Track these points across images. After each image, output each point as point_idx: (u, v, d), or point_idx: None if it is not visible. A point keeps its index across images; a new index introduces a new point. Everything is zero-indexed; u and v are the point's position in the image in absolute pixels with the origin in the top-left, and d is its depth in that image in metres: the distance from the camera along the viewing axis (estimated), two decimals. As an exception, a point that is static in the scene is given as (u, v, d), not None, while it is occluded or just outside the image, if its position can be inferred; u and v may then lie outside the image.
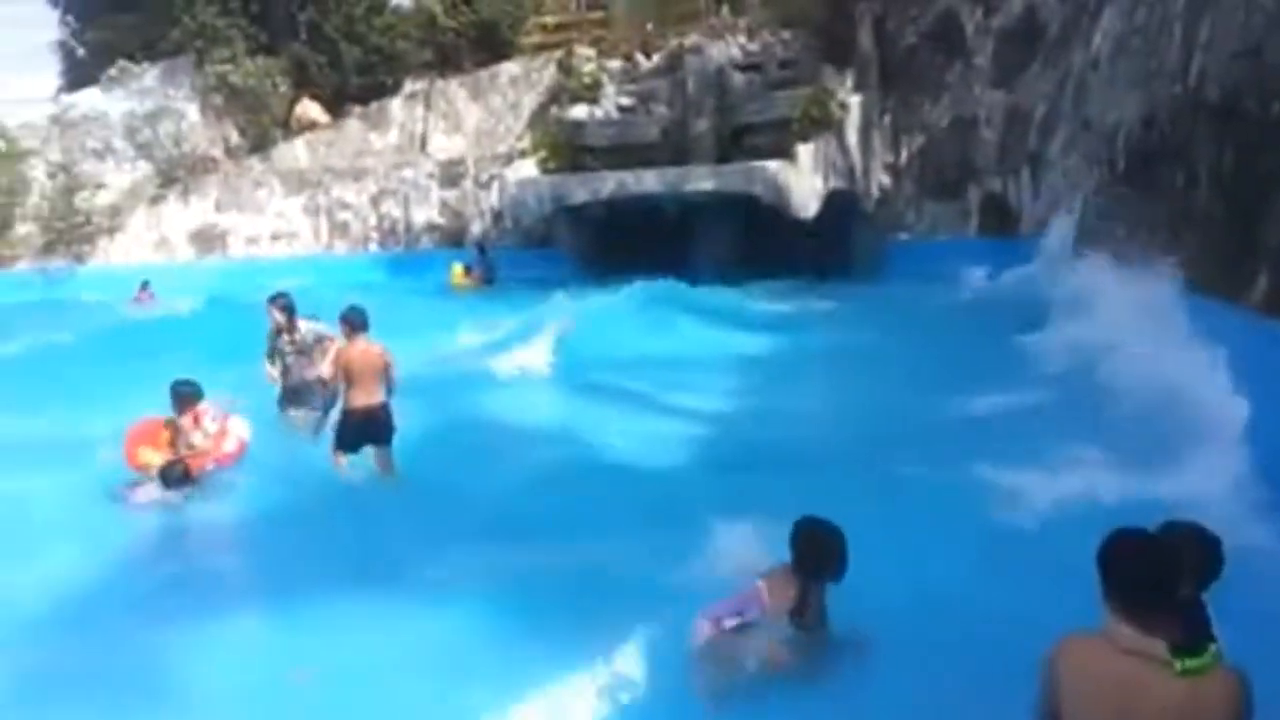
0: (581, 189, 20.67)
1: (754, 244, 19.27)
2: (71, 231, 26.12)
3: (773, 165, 18.62)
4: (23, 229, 26.70)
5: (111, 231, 26.47)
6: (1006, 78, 18.58)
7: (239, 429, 8.23)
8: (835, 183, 19.29)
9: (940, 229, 19.79)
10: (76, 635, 5.64)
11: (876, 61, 20.19)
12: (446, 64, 26.94)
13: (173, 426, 7.95)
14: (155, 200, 26.73)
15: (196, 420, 7.95)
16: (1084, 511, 5.87)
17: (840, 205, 19.23)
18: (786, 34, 21.44)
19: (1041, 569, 5.26)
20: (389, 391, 8.24)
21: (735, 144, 20.56)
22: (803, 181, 18.56)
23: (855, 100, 19.82)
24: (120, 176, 27.27)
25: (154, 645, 5.42)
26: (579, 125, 22.13)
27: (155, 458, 7.79)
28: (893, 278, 18.70)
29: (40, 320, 18.24)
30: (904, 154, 20.26)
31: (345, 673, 5.09)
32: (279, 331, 9.37)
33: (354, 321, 8.09)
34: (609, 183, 20.27)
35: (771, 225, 18.81)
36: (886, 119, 20.28)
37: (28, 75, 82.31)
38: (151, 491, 7.73)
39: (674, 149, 21.01)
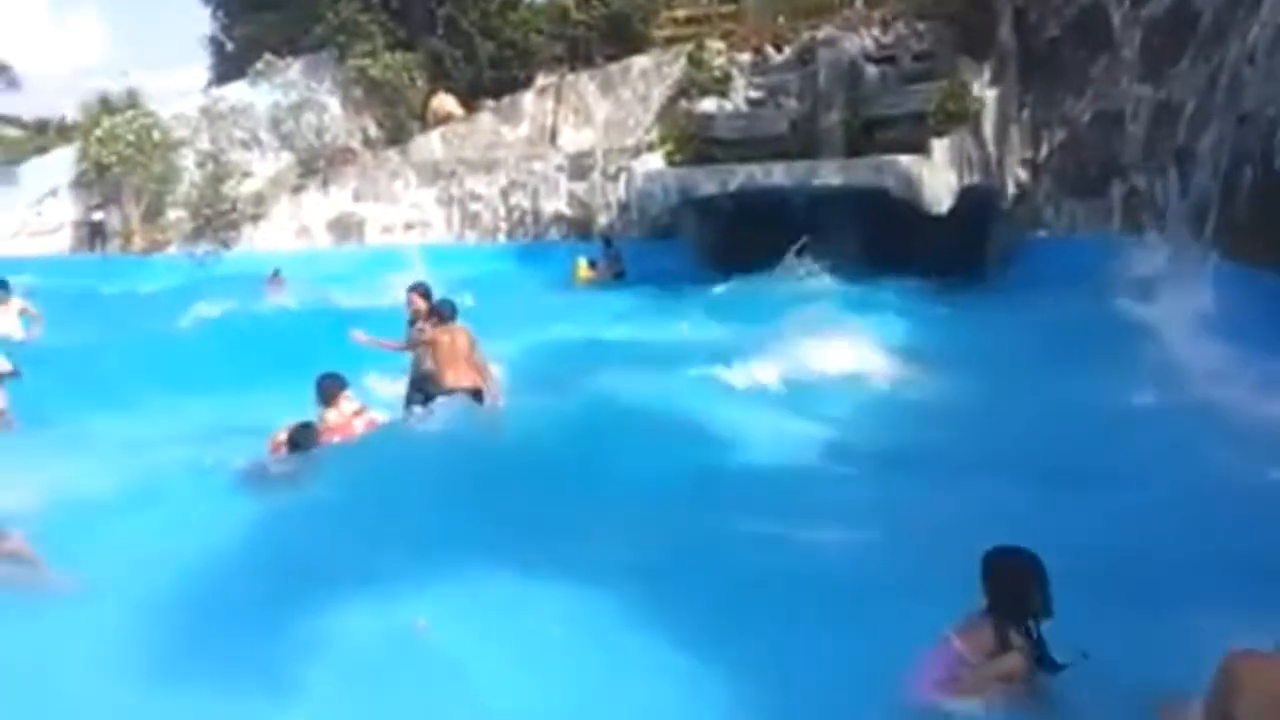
0: (709, 181, 20.63)
1: (883, 240, 18.95)
2: (219, 218, 27.27)
3: (905, 159, 18.27)
4: (173, 215, 28.04)
5: (255, 219, 27.55)
6: (1155, 71, 17.81)
7: (375, 415, 8.53)
8: (970, 178, 18.82)
9: (1080, 227, 19.09)
10: (206, 605, 5.78)
11: (1016, 54, 19.63)
12: (577, 58, 27.24)
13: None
14: (297, 189, 27.73)
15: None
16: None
17: (975, 201, 18.76)
18: (922, 26, 21.02)
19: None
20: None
21: (866, 138, 20.22)
22: (936, 176, 18.16)
23: (992, 94, 19.30)
24: (265, 166, 28.40)
25: (280, 618, 5.55)
26: (708, 118, 22.08)
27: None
28: (1028, 276, 18.13)
29: (183, 302, 19.04)
30: (1043, 149, 19.62)
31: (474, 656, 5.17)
32: (416, 318, 9.52)
33: (444, 313, 9.27)
34: (737, 175, 20.18)
35: (902, 221, 18.47)
36: (1025, 113, 19.68)
37: (181, 69, 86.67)
38: (274, 460, 7.94)
39: (803, 142, 20.77)
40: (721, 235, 21.67)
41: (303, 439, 7.90)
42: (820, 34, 21.53)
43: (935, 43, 20.53)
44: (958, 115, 18.89)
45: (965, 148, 18.81)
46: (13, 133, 43.22)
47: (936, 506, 6.93)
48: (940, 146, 18.32)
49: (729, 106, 22.31)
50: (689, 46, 24.21)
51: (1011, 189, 19.71)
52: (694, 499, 7.44)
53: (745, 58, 23.15)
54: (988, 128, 19.19)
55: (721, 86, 22.68)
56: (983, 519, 6.04)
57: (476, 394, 9.20)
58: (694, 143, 21.90)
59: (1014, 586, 4.20)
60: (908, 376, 11.75)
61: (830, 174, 19.26)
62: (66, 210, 29.11)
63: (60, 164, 29.62)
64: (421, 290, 9.74)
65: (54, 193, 29.30)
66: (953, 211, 18.36)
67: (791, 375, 11.44)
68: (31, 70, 39.44)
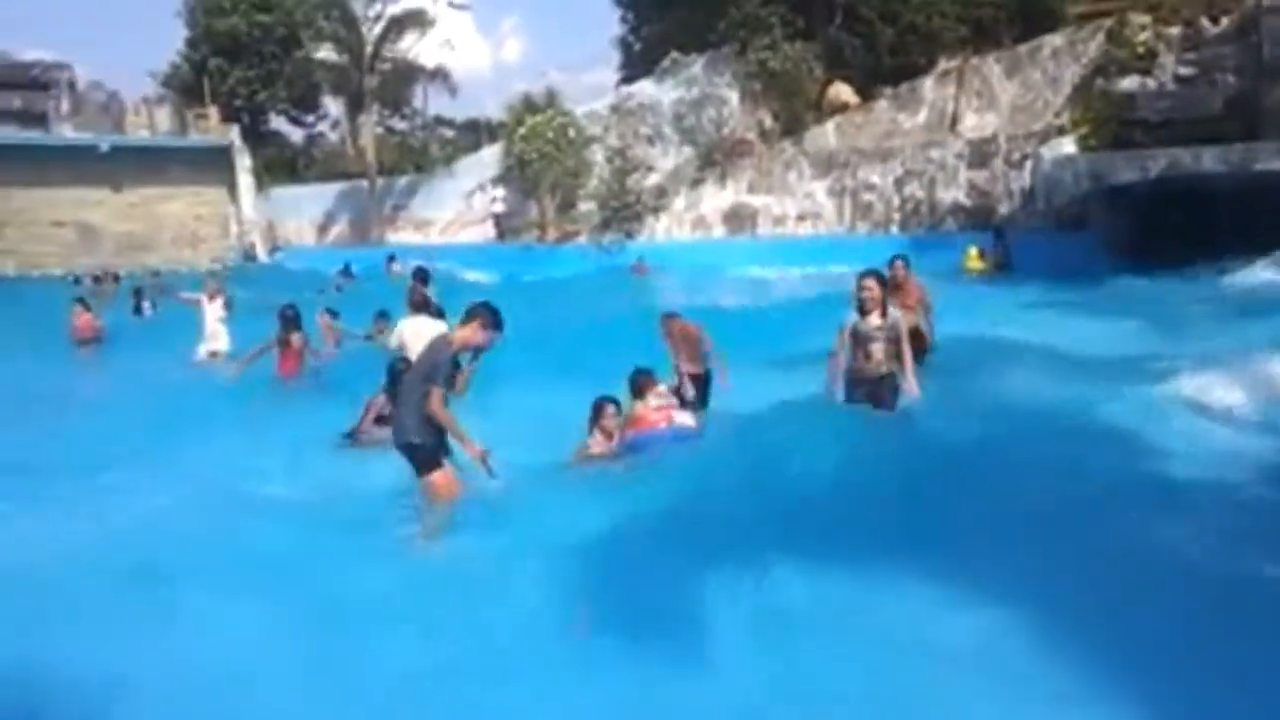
0: (1127, 168, 19.06)
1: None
2: (624, 210, 28.84)
3: (1372, 141, 15.93)
4: (584, 207, 29.99)
5: (656, 211, 28.86)
6: None
7: (684, 418, 8.39)
8: None
9: None
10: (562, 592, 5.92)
11: None
12: (983, 39, 26.12)
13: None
14: (695, 182, 28.72)
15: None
16: None
17: None
18: (1400, -16, 18.20)
19: None
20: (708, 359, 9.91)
21: (1321, 117, 17.84)
22: None
23: None
24: (666, 160, 29.69)
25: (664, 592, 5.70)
26: (1128, 98, 20.38)
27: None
28: None
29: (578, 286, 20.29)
30: None
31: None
32: (866, 310, 8.03)
33: (667, 316, 10.25)
34: (1159, 161, 18.50)
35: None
36: None
37: (593, 69, 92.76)
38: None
39: (1241, 123, 18.67)
40: (1138, 227, 19.95)
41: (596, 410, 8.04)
42: (1266, 1, 19.21)
43: None
44: None
45: None
46: (449, 133, 48.28)
47: None
48: None
49: (1153, 85, 20.46)
50: (1108, 22, 22.47)
51: None
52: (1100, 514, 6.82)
53: (1174, 31, 21.12)
54: None
55: (1145, 64, 20.84)
56: None
57: (702, 378, 9.89)
58: (1110, 126, 20.38)
59: None
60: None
61: (1273, 158, 17.16)
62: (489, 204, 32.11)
63: (487, 161, 32.67)
64: (878, 278, 8.33)
65: (481, 187, 32.36)
66: None
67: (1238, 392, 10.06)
68: (459, 72, 43.69)
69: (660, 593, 5.72)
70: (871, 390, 8.18)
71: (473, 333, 6.75)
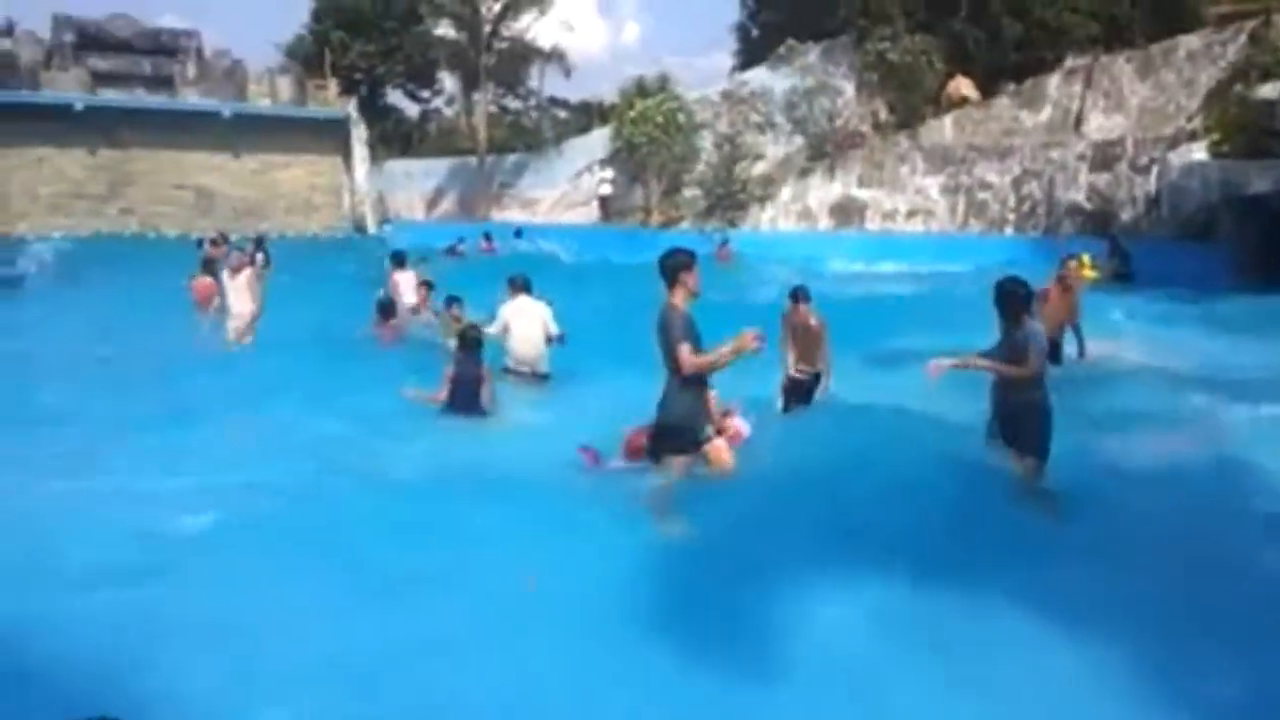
0: (1261, 177, 18.11)
1: None
2: (729, 198, 28.45)
3: None
4: (689, 193, 29.68)
5: (762, 200, 28.40)
6: None
7: (739, 424, 8.03)
8: None
9: None
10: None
11: None
12: (1115, 38, 25.06)
13: None
14: (804, 173, 28.18)
15: None
16: None
17: None
18: None
19: None
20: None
21: None
22: None
23: None
24: (776, 149, 29.20)
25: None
26: (1268, 105, 19.26)
27: None
28: None
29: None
30: None
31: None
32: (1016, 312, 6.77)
33: (798, 296, 9.38)
34: (1298, 172, 17.47)
35: None
36: None
37: (710, 54, 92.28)
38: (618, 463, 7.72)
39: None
40: (1268, 241, 18.83)
41: None
42: None
43: None
44: None
45: None
46: (562, 114, 48.35)
47: None
48: None
49: (1297, 92, 19.32)
50: (1251, 23, 21.31)
51: None
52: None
53: (1324, 35, 19.95)
54: None
55: (1289, 68, 19.72)
56: None
57: (813, 378, 9.51)
58: (1247, 133, 19.29)
59: None
60: None
61: None
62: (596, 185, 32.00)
63: (597, 143, 32.56)
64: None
65: (589, 168, 32.29)
66: None
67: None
68: (577, 53, 43.39)
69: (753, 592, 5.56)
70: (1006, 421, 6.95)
71: (686, 282, 6.34)
